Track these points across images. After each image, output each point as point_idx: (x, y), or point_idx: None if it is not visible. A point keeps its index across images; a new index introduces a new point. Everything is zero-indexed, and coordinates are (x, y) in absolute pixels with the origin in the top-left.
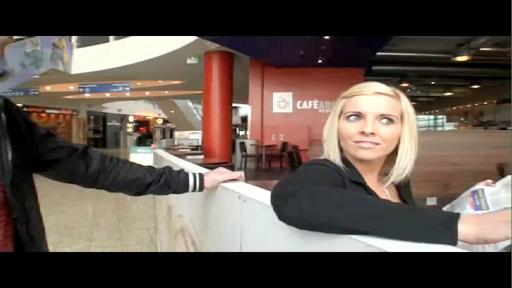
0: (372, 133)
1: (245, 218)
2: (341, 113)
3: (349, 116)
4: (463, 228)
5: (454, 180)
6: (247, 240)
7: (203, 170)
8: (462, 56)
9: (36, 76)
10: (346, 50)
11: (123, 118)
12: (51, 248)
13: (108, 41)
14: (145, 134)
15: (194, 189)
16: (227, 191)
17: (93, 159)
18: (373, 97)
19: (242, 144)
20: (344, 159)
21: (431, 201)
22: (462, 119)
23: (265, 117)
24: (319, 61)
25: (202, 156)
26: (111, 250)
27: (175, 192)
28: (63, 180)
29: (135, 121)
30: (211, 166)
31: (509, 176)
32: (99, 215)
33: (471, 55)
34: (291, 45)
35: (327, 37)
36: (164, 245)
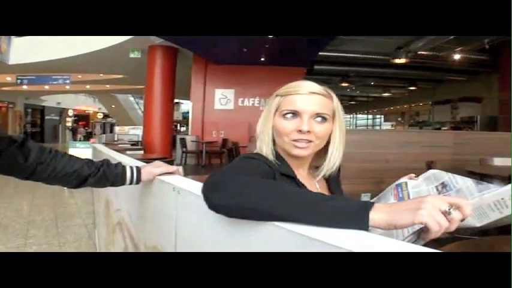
0: (308, 131)
1: (180, 209)
2: (276, 110)
3: (285, 114)
4: (376, 216)
5: (387, 176)
6: (182, 230)
7: (141, 164)
8: (400, 58)
9: None
10: (289, 50)
11: (63, 112)
12: None
13: None
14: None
15: (131, 182)
16: (163, 183)
17: (32, 151)
18: (308, 96)
19: (182, 140)
20: (276, 154)
21: (366, 197)
22: (399, 119)
23: (206, 113)
24: (262, 59)
25: (141, 152)
26: (48, 247)
27: (113, 185)
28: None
29: (75, 115)
30: (149, 161)
31: (430, 171)
32: (36, 211)
33: (409, 58)
34: (234, 43)
35: (270, 36)
36: (103, 240)
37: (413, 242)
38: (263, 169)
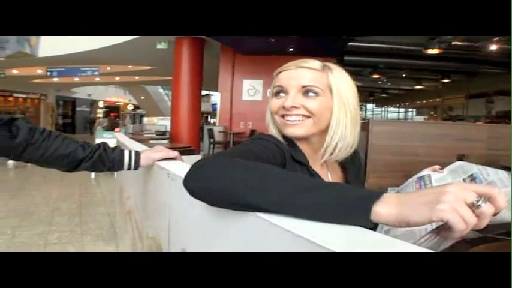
0: (294, 106)
1: (173, 197)
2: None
3: (276, 93)
4: (383, 210)
5: (417, 170)
6: (175, 219)
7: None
8: (433, 48)
9: (2, 59)
10: (317, 40)
11: (93, 103)
12: (9, 232)
13: None
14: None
15: (130, 167)
16: (159, 169)
17: (21, 130)
18: (295, 71)
19: (210, 131)
20: (288, 139)
21: (393, 192)
22: (432, 112)
23: (234, 104)
24: (291, 49)
25: (166, 142)
26: (70, 235)
27: (110, 169)
28: None
29: (106, 106)
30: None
31: (457, 163)
32: (61, 199)
33: (442, 48)
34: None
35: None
36: (119, 230)
37: (432, 244)
38: (272, 150)
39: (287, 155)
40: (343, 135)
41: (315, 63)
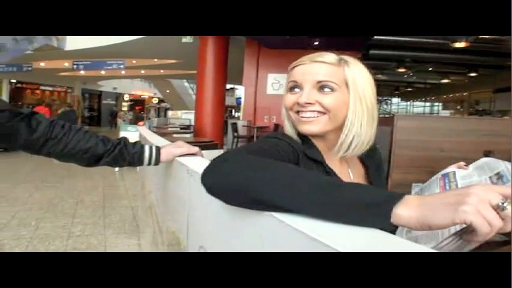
0: (309, 103)
1: (192, 192)
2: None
3: (291, 88)
4: (404, 212)
5: (442, 166)
6: (194, 213)
7: (162, 144)
8: (460, 42)
9: (30, 52)
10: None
11: (119, 97)
12: (33, 224)
13: None
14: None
15: (150, 163)
16: (179, 164)
17: (41, 124)
18: (310, 65)
19: (234, 125)
20: (304, 135)
21: (417, 187)
22: (458, 107)
23: (258, 98)
24: (316, 43)
25: (189, 135)
26: (92, 227)
27: (130, 164)
28: (7, 147)
29: (131, 100)
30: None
31: (483, 159)
32: (85, 192)
33: (469, 42)
34: None
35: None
36: (142, 223)
37: (455, 247)
38: (284, 149)
39: (300, 154)
40: (359, 132)
41: (331, 56)
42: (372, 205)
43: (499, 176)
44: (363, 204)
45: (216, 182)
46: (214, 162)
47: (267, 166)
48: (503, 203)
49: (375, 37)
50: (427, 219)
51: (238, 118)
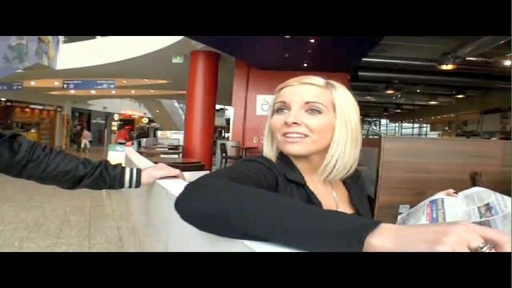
0: (296, 123)
1: (172, 216)
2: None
3: (277, 109)
4: (379, 241)
5: (429, 188)
6: (173, 237)
7: (143, 167)
8: (448, 64)
9: (20, 70)
10: (332, 54)
11: (108, 116)
12: (17, 244)
13: (94, 37)
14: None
15: (130, 185)
16: (159, 188)
17: (22, 146)
18: (298, 87)
19: (223, 146)
20: (285, 157)
21: (404, 209)
22: (446, 128)
23: (247, 119)
24: (305, 65)
25: (176, 156)
26: (78, 248)
27: (110, 187)
28: None
29: (121, 119)
30: (177, 166)
31: (473, 188)
32: (71, 212)
33: (456, 64)
34: (277, 48)
35: (312, 40)
36: (127, 244)
37: None
38: (263, 172)
39: (280, 177)
40: (342, 156)
41: (318, 79)
42: (344, 233)
43: (488, 208)
44: (335, 232)
45: (188, 209)
46: (187, 188)
47: (238, 194)
48: (482, 247)
49: (364, 59)
50: (402, 251)
51: (227, 139)
